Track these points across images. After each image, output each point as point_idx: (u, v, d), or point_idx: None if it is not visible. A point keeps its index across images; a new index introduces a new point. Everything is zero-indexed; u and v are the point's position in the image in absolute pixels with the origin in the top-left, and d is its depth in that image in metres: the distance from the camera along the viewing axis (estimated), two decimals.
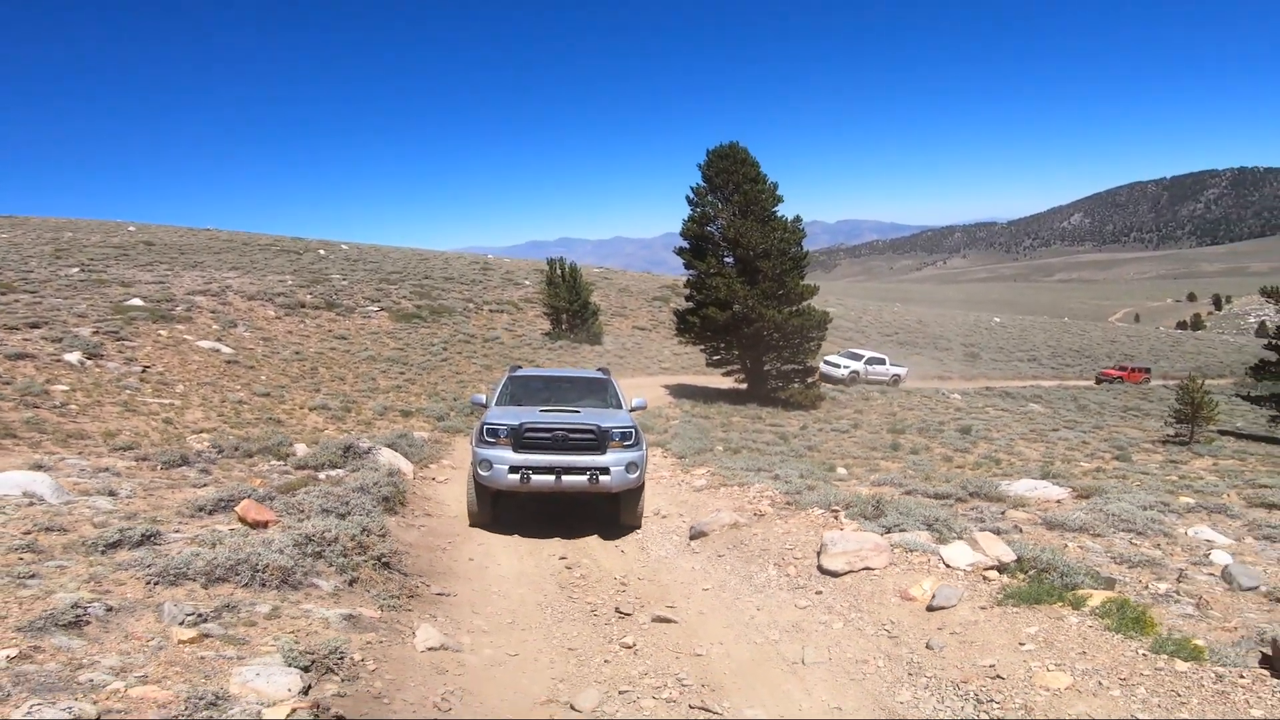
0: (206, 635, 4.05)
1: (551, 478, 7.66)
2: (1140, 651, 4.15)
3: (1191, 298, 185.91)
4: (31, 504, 6.41)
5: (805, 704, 3.98)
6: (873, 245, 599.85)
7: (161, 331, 22.38)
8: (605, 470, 7.75)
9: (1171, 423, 25.53)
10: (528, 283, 46.63)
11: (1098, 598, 4.92)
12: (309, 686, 3.70)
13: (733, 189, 24.67)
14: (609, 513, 8.52)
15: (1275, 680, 3.84)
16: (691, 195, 25.38)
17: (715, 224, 25.26)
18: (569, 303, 34.98)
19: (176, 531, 5.81)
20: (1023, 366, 51.24)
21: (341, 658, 4.02)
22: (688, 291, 26.94)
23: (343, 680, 3.86)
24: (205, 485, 7.81)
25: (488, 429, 7.88)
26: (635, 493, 8.26)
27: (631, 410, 9.14)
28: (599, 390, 9.69)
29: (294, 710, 3.41)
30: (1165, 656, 4.09)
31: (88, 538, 5.47)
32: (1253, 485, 13.49)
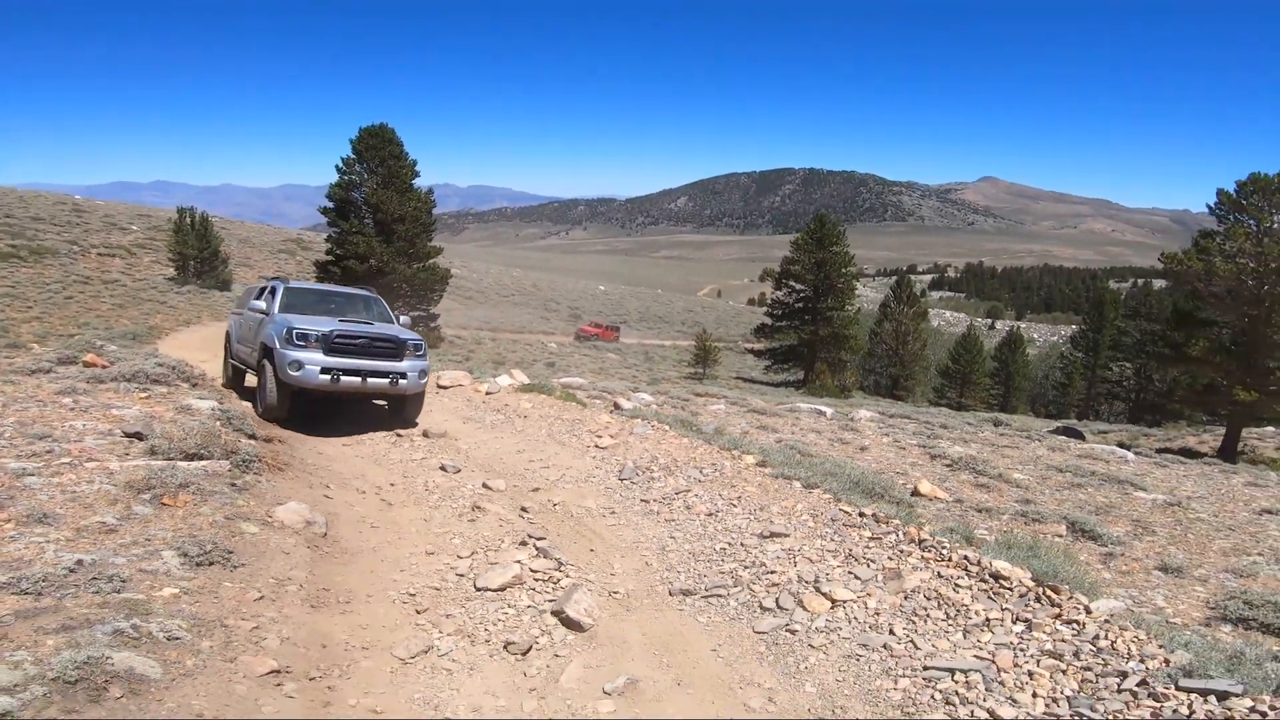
0: (149, 396, 8.65)
1: (358, 379, 8.60)
2: (562, 403, 10.80)
3: (762, 278, 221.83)
4: None
5: (438, 416, 9.94)
6: (502, 212, 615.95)
7: None
8: (403, 375, 8.83)
9: (692, 364, 36.35)
10: (134, 227, 45.32)
11: (559, 392, 11.62)
12: (219, 406, 8.66)
13: (378, 163, 28.95)
14: (390, 415, 9.65)
15: (609, 413, 10.67)
16: (340, 164, 29.10)
17: (360, 190, 29.38)
18: (198, 250, 35.73)
19: (65, 368, 9.77)
20: None
21: (224, 400, 8.98)
22: (329, 246, 30.77)
23: (226, 408, 8.81)
24: (14, 358, 11.22)
25: (297, 333, 8.55)
26: (419, 396, 9.38)
27: (403, 326, 10.19)
28: (372, 306, 10.62)
29: (223, 407, 8.43)
30: (569, 403, 10.78)
31: (15, 367, 9.30)
32: (708, 388, 22.57)
